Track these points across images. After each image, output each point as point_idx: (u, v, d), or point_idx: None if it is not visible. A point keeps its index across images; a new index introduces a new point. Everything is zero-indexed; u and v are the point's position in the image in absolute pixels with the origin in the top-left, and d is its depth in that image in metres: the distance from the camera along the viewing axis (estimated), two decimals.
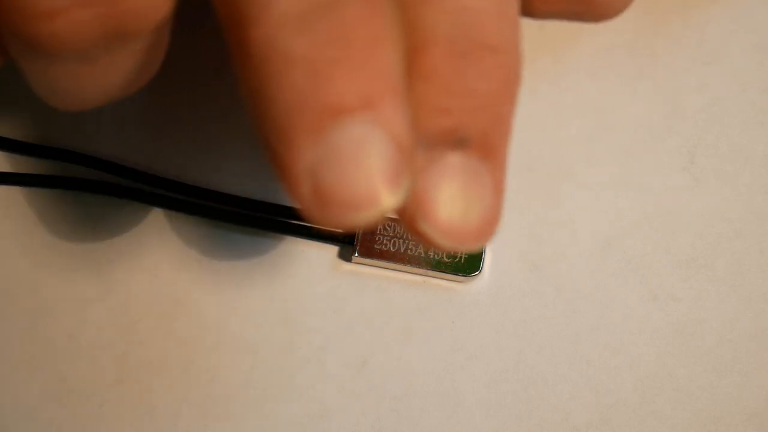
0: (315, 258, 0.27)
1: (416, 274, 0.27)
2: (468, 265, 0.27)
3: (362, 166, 0.13)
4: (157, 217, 0.27)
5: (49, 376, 0.26)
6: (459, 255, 0.27)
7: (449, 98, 0.14)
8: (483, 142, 0.15)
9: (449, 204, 0.14)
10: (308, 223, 0.27)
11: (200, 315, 0.27)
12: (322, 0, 0.14)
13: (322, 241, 0.27)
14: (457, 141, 0.14)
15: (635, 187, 0.28)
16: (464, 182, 0.15)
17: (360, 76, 0.13)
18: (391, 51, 0.14)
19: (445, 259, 0.27)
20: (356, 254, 0.26)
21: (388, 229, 0.27)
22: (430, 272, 0.27)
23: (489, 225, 0.15)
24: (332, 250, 0.27)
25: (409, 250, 0.27)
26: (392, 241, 0.27)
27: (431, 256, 0.27)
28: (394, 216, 0.27)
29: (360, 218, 0.14)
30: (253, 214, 0.27)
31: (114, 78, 0.17)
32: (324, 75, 0.13)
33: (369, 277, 0.27)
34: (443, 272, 0.27)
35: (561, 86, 0.29)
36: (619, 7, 0.18)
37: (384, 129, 0.13)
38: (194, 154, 0.28)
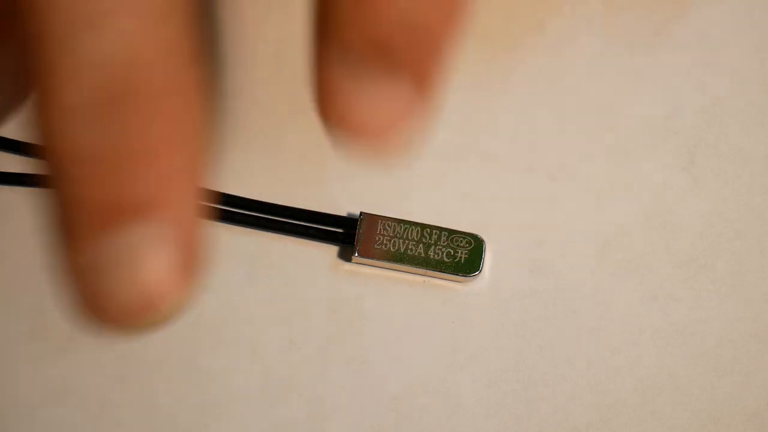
0: (315, 258, 0.27)
1: (416, 274, 0.27)
2: (468, 265, 0.27)
3: (140, 272, 0.13)
4: None
5: (49, 376, 0.26)
6: (459, 255, 0.27)
7: (380, 25, 0.13)
8: (413, 72, 0.13)
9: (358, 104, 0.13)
10: (309, 223, 0.27)
11: (200, 315, 0.27)
12: (111, 93, 0.12)
13: (322, 241, 0.27)
14: (384, 68, 0.13)
15: (635, 187, 0.28)
16: (384, 95, 0.13)
17: (145, 178, 0.13)
18: (184, 153, 0.13)
19: (445, 259, 0.27)
20: (356, 254, 0.26)
21: (388, 229, 0.27)
22: (430, 272, 0.27)
23: (397, 121, 0.13)
24: (332, 250, 0.27)
25: (409, 250, 0.26)
26: (392, 241, 0.27)
27: (431, 256, 0.27)
28: (393, 216, 0.27)
29: (138, 323, 0.13)
30: (253, 214, 0.27)
31: None
32: (104, 176, 0.12)
33: (369, 277, 0.27)
34: (443, 272, 0.27)
35: (561, 86, 0.29)
36: None
37: (166, 235, 0.13)
38: None
